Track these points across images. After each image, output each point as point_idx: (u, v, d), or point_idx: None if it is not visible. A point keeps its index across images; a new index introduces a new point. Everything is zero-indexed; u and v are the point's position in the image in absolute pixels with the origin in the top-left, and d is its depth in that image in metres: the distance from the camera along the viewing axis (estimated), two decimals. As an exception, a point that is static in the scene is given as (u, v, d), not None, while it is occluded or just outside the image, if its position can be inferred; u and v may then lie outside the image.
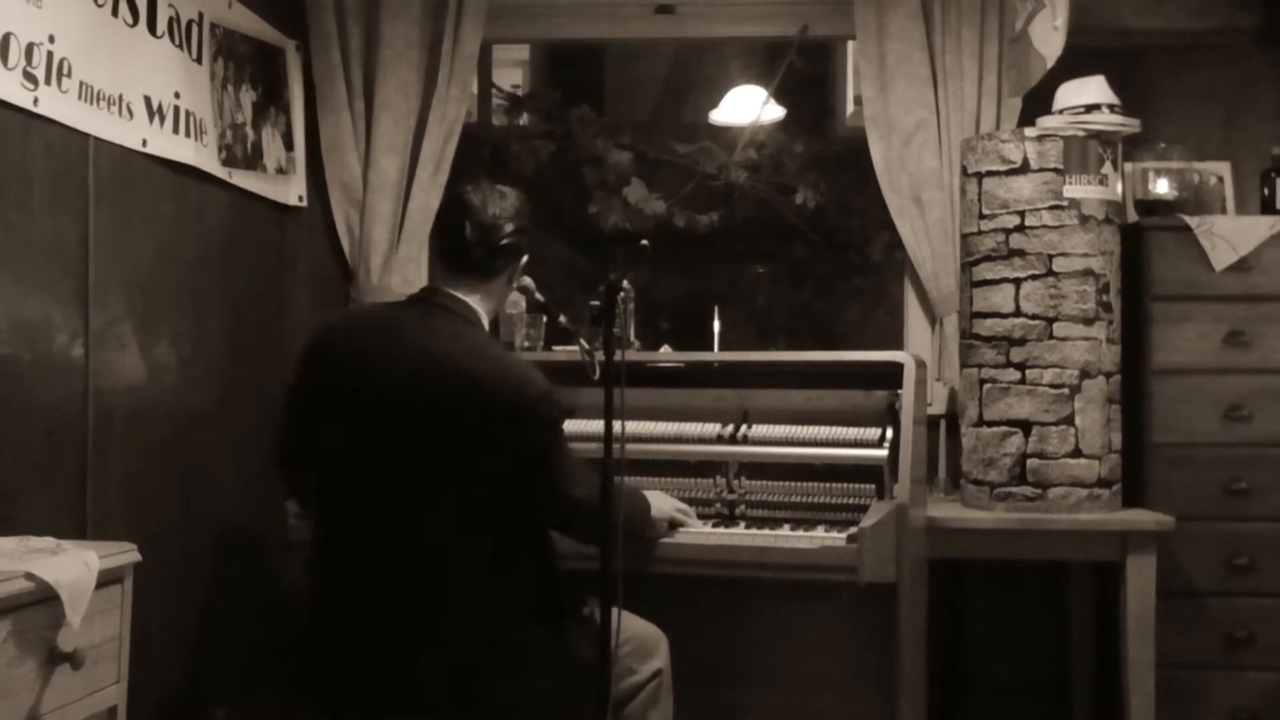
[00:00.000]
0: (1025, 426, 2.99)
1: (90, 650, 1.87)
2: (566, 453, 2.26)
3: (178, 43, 2.78)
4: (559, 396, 2.24)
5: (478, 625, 2.15)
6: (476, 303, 2.32)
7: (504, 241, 2.31)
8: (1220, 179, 3.44)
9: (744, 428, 2.91)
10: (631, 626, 2.35)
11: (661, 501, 2.64)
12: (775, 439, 2.86)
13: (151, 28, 2.67)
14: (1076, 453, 2.97)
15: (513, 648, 2.17)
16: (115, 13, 2.54)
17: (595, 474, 2.21)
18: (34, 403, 2.29)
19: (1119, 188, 3.07)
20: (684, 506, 2.72)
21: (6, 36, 2.18)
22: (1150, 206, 3.32)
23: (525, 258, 2.38)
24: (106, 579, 1.93)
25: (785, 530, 2.73)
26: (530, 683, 2.17)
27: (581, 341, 2.42)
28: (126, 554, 2.02)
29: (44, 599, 1.77)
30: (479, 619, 2.16)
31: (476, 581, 2.17)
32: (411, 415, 2.18)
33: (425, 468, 2.17)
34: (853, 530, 2.55)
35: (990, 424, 3.04)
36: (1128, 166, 3.32)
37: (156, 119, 2.68)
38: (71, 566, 1.82)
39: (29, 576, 1.74)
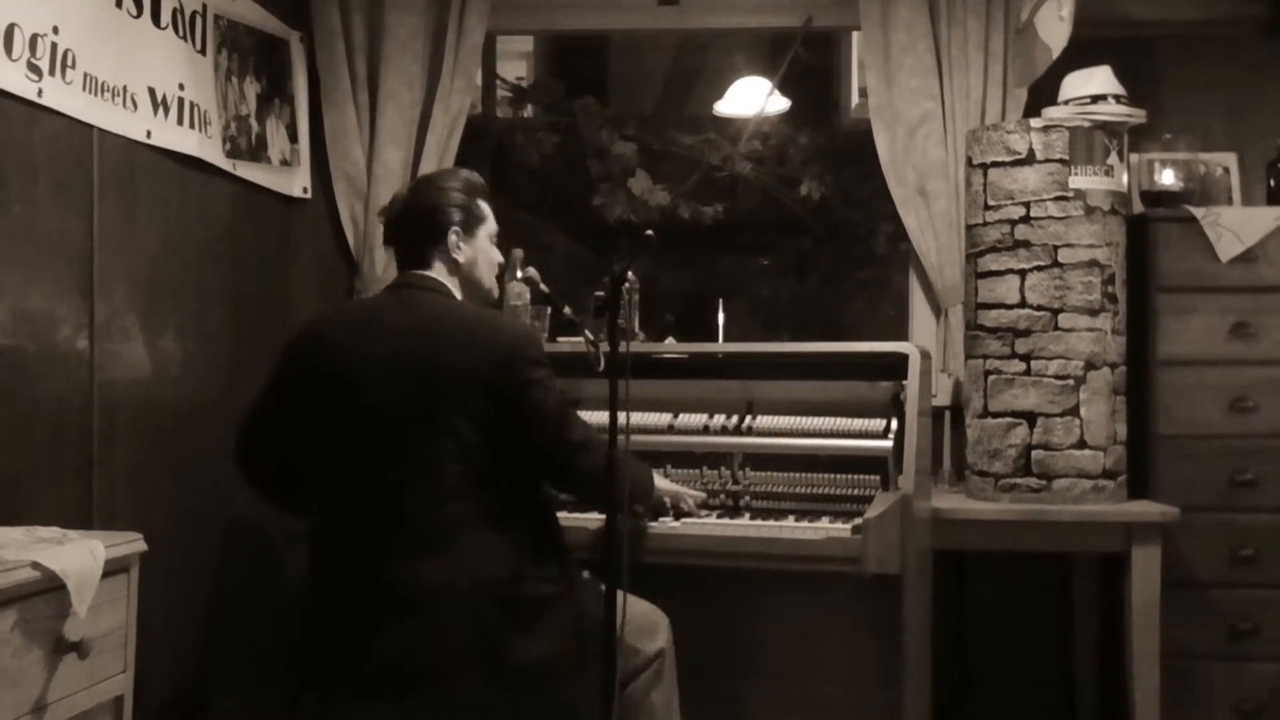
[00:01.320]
0: (1030, 418, 2.99)
1: (96, 640, 1.88)
2: (558, 395, 2.31)
3: (182, 34, 2.77)
4: (540, 343, 2.34)
5: (486, 583, 2.17)
6: (441, 279, 2.41)
7: (416, 221, 2.43)
8: (1226, 170, 3.43)
9: (749, 419, 2.91)
10: (633, 607, 2.36)
11: (665, 483, 2.68)
12: (780, 430, 2.86)
13: (155, 19, 2.67)
14: (1081, 444, 2.97)
15: (523, 606, 2.19)
16: (119, 4, 2.54)
17: (592, 429, 2.30)
18: (39, 394, 2.30)
19: (1124, 179, 3.07)
20: (690, 493, 2.73)
21: (11, 27, 2.18)
22: (1156, 197, 3.31)
23: (453, 231, 2.41)
24: (112, 569, 1.93)
25: (790, 521, 2.72)
26: (542, 640, 2.19)
27: (586, 333, 2.42)
28: (132, 544, 2.03)
29: (50, 588, 1.77)
30: (486, 576, 2.17)
31: (481, 540, 2.19)
32: (400, 383, 2.22)
33: (418, 433, 2.20)
34: (857, 521, 2.56)
35: (995, 415, 3.03)
36: (1133, 157, 3.31)
37: (161, 110, 2.68)
38: (78, 556, 1.82)
39: (35, 566, 1.75)
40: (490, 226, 2.51)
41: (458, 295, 2.43)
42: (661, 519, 2.67)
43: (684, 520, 2.70)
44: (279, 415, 2.38)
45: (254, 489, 2.51)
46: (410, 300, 2.37)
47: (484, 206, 2.50)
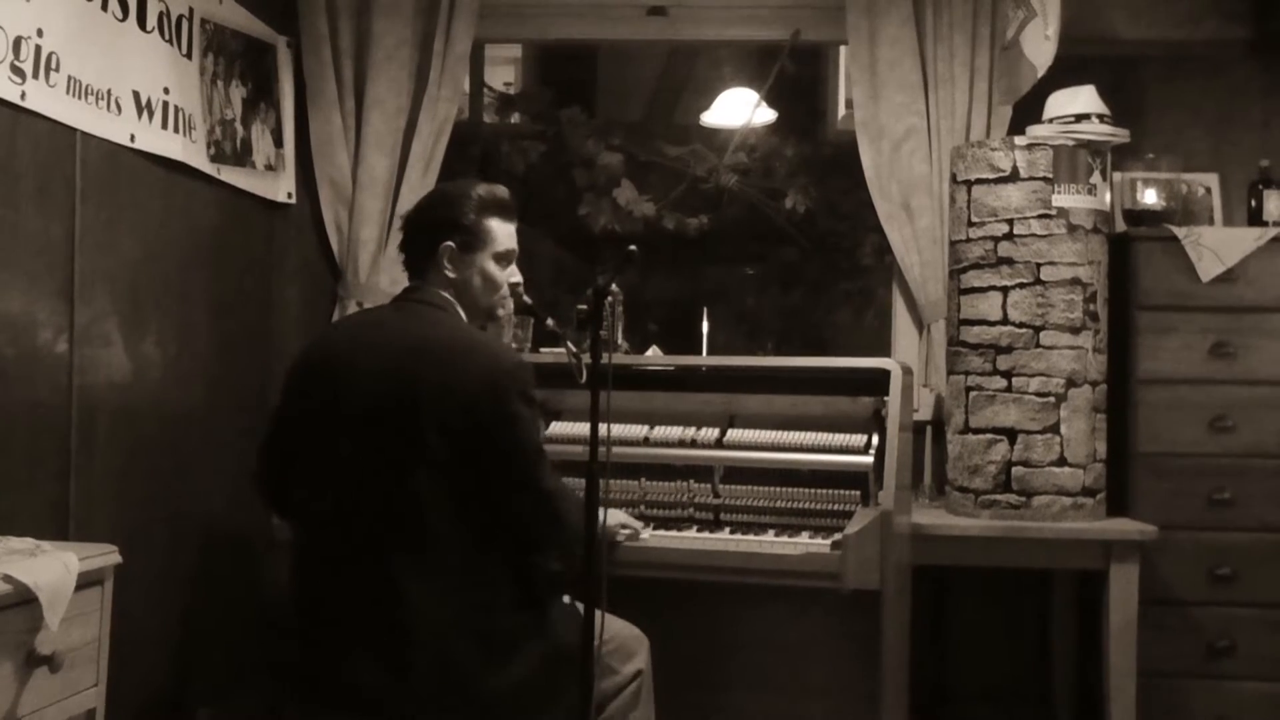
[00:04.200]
0: (1011, 434, 2.99)
1: (69, 653, 1.86)
2: (538, 437, 2.29)
3: (167, 38, 2.76)
4: (532, 378, 2.28)
5: (460, 614, 2.15)
6: (440, 293, 2.37)
7: (417, 232, 2.41)
8: (1208, 190, 3.45)
9: (730, 432, 2.91)
10: (612, 627, 2.36)
11: (614, 516, 2.63)
12: (761, 444, 2.86)
13: (141, 22, 2.66)
14: (1061, 461, 2.98)
15: (495, 635, 2.18)
16: (105, 7, 2.53)
17: (562, 480, 2.30)
18: (17, 399, 2.28)
19: (1107, 197, 3.08)
20: (632, 523, 2.71)
21: (-7, 31, 2.17)
22: (1138, 217, 3.32)
23: (445, 249, 2.35)
24: (86, 581, 1.91)
25: (769, 536, 2.73)
26: (513, 670, 2.17)
27: (569, 344, 2.41)
28: (107, 556, 2.01)
29: (22, 601, 1.76)
30: (461, 607, 2.16)
31: (458, 570, 2.17)
32: (386, 404, 2.20)
33: (403, 457, 2.18)
34: (837, 537, 2.56)
35: (976, 431, 3.04)
36: (1116, 176, 3.33)
37: (145, 114, 2.67)
38: (50, 568, 1.81)
39: (7, 579, 1.73)
40: (497, 247, 2.40)
41: (461, 311, 2.37)
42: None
43: (655, 534, 2.69)
44: (286, 435, 2.36)
45: (277, 514, 2.49)
46: (409, 316, 2.33)
47: (492, 225, 2.39)
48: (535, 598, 2.28)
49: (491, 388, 2.20)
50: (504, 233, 2.42)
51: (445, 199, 2.42)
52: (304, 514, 2.33)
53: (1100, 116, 3.13)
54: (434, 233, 2.37)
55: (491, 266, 2.40)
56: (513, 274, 2.45)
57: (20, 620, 1.77)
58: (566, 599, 2.35)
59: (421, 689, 2.13)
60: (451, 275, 2.37)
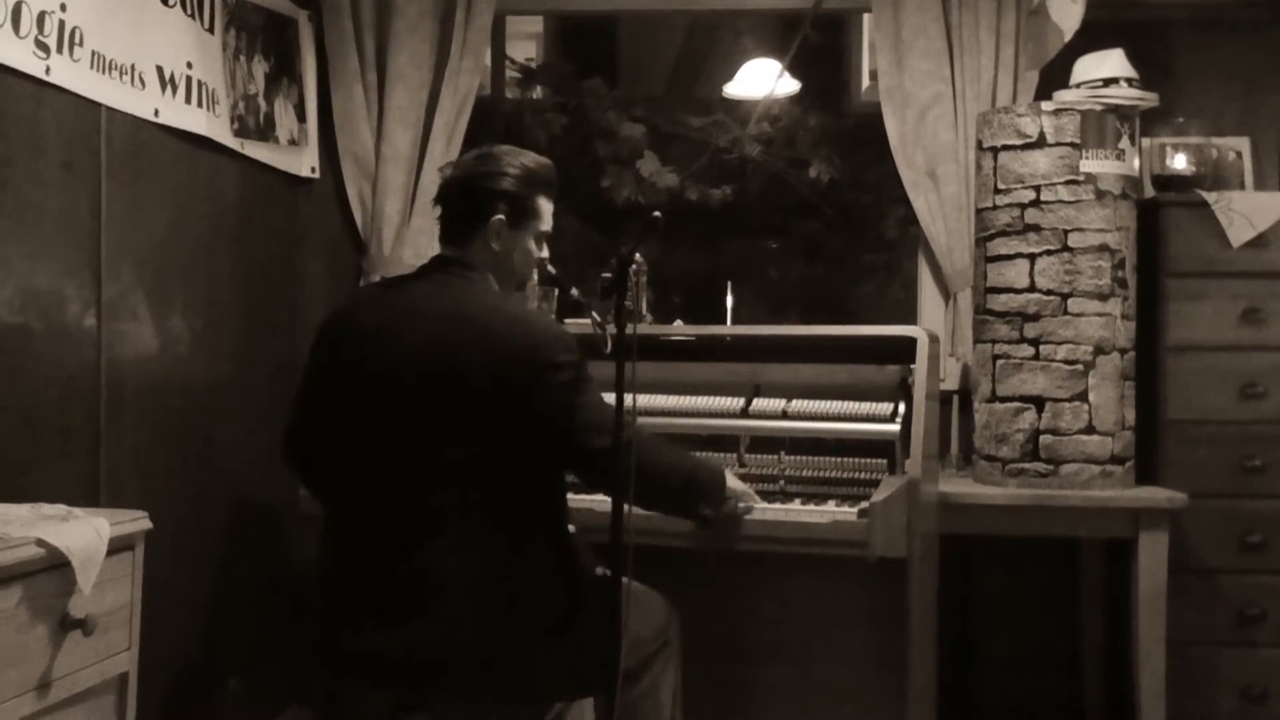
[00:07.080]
0: (1038, 402, 2.98)
1: (101, 617, 1.88)
2: (589, 400, 2.22)
3: (190, 12, 2.77)
4: (574, 346, 2.22)
5: (491, 584, 2.16)
6: (476, 263, 2.31)
7: (466, 195, 2.30)
8: (1239, 154, 3.41)
9: (755, 402, 2.90)
10: (641, 597, 2.36)
11: (737, 484, 2.59)
12: (787, 413, 2.86)
13: (163, -3, 2.67)
14: (1090, 429, 2.96)
15: (525, 604, 2.18)
16: (127, -19, 2.54)
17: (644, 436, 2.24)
18: (47, 373, 2.30)
19: (1136, 163, 3.05)
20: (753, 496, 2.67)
21: (18, 5, 2.18)
22: (1168, 182, 3.29)
23: (496, 219, 2.28)
24: (117, 546, 1.93)
25: (796, 505, 2.72)
26: (549, 644, 2.18)
27: (594, 315, 2.40)
28: (137, 521, 2.03)
29: (55, 566, 1.78)
30: (492, 577, 2.16)
31: (494, 544, 2.17)
32: (424, 376, 2.17)
33: (440, 429, 2.17)
34: (864, 505, 2.55)
35: (1003, 400, 3.02)
36: (1145, 141, 3.29)
37: (169, 89, 2.67)
38: (82, 533, 1.83)
39: (40, 543, 1.75)
40: (541, 226, 2.36)
41: (494, 280, 2.31)
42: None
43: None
44: (316, 403, 2.33)
45: (304, 482, 2.48)
46: (445, 286, 2.27)
47: (541, 203, 2.35)
48: (571, 572, 2.27)
49: (530, 363, 2.16)
50: (549, 213, 2.39)
51: (499, 165, 2.31)
52: (333, 482, 2.34)
53: (1129, 80, 3.09)
54: (486, 201, 2.29)
55: (532, 245, 2.37)
56: (542, 250, 2.42)
57: (53, 584, 1.78)
58: (600, 570, 2.34)
59: (450, 659, 2.14)
60: (495, 248, 2.30)
